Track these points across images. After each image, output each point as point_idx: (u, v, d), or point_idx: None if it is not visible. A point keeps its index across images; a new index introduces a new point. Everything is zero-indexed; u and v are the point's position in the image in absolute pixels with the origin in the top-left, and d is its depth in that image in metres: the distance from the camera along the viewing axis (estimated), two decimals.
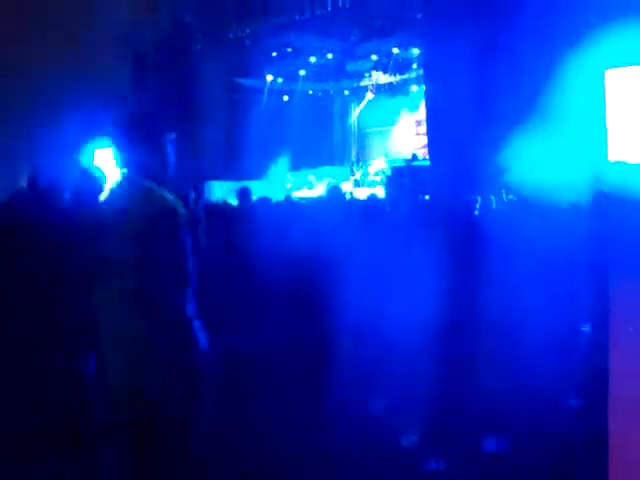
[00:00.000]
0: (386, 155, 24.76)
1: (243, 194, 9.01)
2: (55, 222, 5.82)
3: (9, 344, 5.84)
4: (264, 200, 8.63)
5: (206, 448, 5.50)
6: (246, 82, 24.97)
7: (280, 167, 26.02)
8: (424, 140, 20.53)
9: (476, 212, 7.03)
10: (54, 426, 5.38)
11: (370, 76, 25.53)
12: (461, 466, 5.07)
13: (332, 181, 20.56)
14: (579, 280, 6.30)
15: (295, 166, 25.72)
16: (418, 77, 22.70)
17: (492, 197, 7.84)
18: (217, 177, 21.13)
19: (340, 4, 19.40)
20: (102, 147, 19.35)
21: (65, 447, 5.27)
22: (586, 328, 6.65)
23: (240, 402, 6.14)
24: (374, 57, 23.48)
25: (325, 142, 27.32)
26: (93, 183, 5.80)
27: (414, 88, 24.51)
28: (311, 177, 23.76)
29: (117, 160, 4.06)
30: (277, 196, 13.75)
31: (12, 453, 5.21)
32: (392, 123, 26.57)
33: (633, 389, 3.30)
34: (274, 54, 23.05)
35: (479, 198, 7.19)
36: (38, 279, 5.84)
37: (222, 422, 5.84)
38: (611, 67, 12.91)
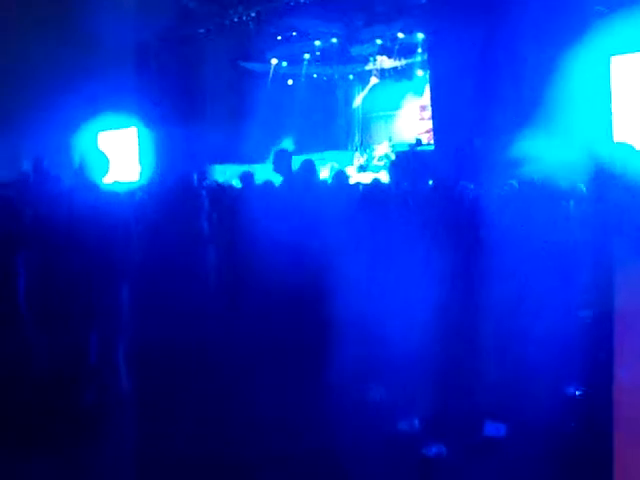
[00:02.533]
0: (390, 140, 24.70)
1: (246, 178, 9.02)
2: (56, 205, 5.84)
3: (14, 320, 5.87)
4: (267, 184, 8.63)
5: (206, 430, 5.53)
6: (250, 66, 24.89)
7: None
8: (428, 125, 20.50)
9: (471, 199, 7.00)
10: (57, 399, 5.42)
11: (375, 60, 25.42)
12: (460, 451, 5.08)
13: (336, 165, 20.53)
14: (581, 266, 6.30)
15: (299, 150, 25.68)
16: (423, 62, 22.60)
17: (491, 183, 7.82)
18: (221, 161, 21.11)
19: None
20: (105, 129, 19.39)
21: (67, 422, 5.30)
22: (588, 314, 6.65)
23: (239, 387, 6.17)
24: (379, 41, 23.36)
25: (329, 126, 27.26)
26: (93, 167, 5.80)
27: (419, 73, 24.40)
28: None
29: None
30: (280, 180, 13.70)
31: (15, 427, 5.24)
32: (396, 108, 26.47)
33: (637, 377, 3.30)
34: (279, 38, 22.95)
35: (472, 185, 7.16)
36: (41, 261, 5.87)
37: (223, 406, 5.87)
38: (617, 53, 12.87)
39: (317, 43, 23.58)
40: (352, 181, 12.25)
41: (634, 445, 3.29)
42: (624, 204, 5.90)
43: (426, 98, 22.11)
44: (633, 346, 3.48)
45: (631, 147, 7.32)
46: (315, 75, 26.40)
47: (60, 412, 5.40)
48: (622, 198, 5.98)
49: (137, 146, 20.32)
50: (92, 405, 5.58)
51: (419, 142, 21.58)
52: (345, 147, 26.79)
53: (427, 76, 20.81)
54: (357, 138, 27.52)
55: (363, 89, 27.65)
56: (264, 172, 17.69)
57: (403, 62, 24.62)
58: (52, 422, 5.31)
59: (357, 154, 24.07)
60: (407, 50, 23.52)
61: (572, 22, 12.36)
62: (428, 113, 21.00)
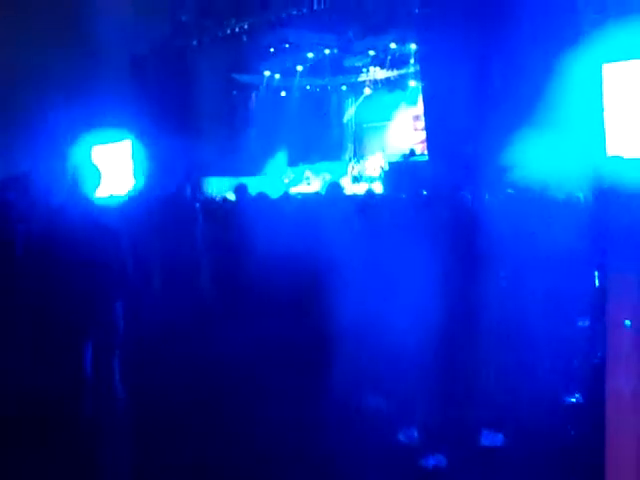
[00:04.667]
0: (384, 150, 24.71)
1: (240, 190, 9.02)
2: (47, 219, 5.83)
3: (8, 335, 5.84)
4: (261, 196, 8.64)
5: (203, 440, 5.51)
6: (243, 78, 24.92)
7: (278, 162, 26.00)
8: (422, 135, 20.49)
9: (468, 208, 7.01)
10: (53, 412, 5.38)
11: (367, 71, 25.46)
12: (459, 461, 5.07)
13: (328, 177, 20.55)
14: (576, 275, 6.30)
15: (293, 161, 25.70)
16: (416, 72, 22.60)
17: (486, 193, 7.84)
18: (215, 173, 21.11)
19: None
20: (100, 143, 19.38)
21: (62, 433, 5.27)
22: (584, 323, 6.65)
23: (238, 398, 6.15)
24: (371, 52, 23.39)
25: (322, 137, 27.27)
26: (85, 181, 5.79)
27: (412, 83, 24.42)
28: (308, 173, 23.73)
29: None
30: (275, 191, 13.72)
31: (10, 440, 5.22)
32: (390, 118, 26.50)
33: (629, 384, 3.28)
34: (271, 50, 22.99)
35: (468, 195, 7.17)
36: (34, 274, 5.84)
37: (221, 418, 5.85)
38: (609, 61, 12.90)
39: (310, 55, 23.62)
40: (346, 192, 12.28)
41: (627, 454, 3.28)
42: (619, 215, 5.91)
43: (420, 108, 22.12)
44: (627, 355, 3.47)
45: (626, 159, 7.34)
46: (308, 87, 26.43)
47: (56, 426, 5.37)
48: (617, 209, 5.99)
49: (131, 159, 20.30)
50: (89, 418, 5.54)
51: (413, 152, 21.58)
52: (339, 158, 26.80)
53: (420, 87, 20.85)
54: (350, 149, 27.53)
55: (356, 100, 27.68)
56: (258, 184, 17.73)
57: (396, 73, 24.65)
58: (48, 436, 5.28)
59: (351, 165, 24.09)
60: (400, 61, 23.56)
61: (564, 30, 12.40)
62: (422, 123, 21.01)
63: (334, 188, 8.58)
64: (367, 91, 26.64)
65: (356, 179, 22.91)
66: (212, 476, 5.05)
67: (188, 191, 9.03)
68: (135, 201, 9.99)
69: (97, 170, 5.89)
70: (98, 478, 4.94)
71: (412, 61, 22.79)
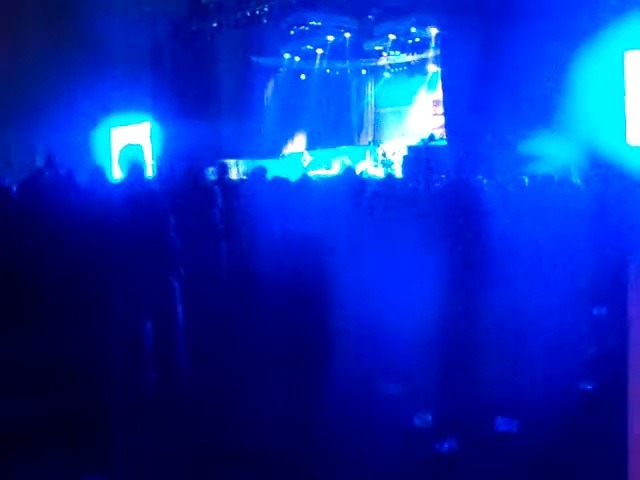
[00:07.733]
0: (403, 135, 24.64)
1: (258, 173, 9.03)
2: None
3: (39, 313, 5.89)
4: (277, 180, 8.66)
5: (219, 424, 5.56)
6: (263, 61, 24.89)
7: (297, 146, 26.00)
8: (442, 120, 20.45)
9: (483, 194, 7.01)
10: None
11: (388, 55, 25.39)
12: (474, 446, 5.08)
13: (347, 161, 20.52)
14: (594, 262, 6.29)
15: (312, 145, 25.68)
16: (436, 57, 22.55)
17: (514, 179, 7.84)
18: (234, 156, 21.12)
19: None
20: (119, 125, 19.43)
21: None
22: (600, 310, 6.65)
23: (252, 382, 6.18)
24: (392, 36, 23.33)
25: (342, 121, 27.25)
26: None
27: (432, 68, 24.33)
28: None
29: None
30: (294, 175, 13.69)
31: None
32: (409, 103, 26.42)
33: None
34: (291, 32, 22.95)
35: (484, 180, 7.17)
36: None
37: (235, 404, 5.90)
38: (630, 49, 12.82)
39: (330, 38, 23.57)
40: (365, 176, 12.26)
41: None
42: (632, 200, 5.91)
43: (440, 93, 22.05)
44: None
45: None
46: (328, 70, 26.38)
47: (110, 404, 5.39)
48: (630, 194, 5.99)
49: (150, 141, 20.34)
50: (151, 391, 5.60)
51: (432, 137, 21.51)
52: (358, 142, 26.76)
53: (440, 71, 20.77)
54: (370, 133, 27.47)
55: (376, 84, 27.60)
56: (277, 167, 17.75)
57: (416, 57, 24.58)
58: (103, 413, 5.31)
59: (370, 149, 24.04)
60: (420, 45, 23.49)
61: (586, 18, 12.33)
62: (442, 108, 20.96)
63: (349, 172, 8.59)
64: (387, 75, 26.59)
65: (375, 163, 22.85)
66: (230, 458, 5.09)
67: (207, 173, 9.06)
68: (155, 183, 10.02)
69: (141, 150, 5.98)
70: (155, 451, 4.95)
71: (432, 45, 22.70)
